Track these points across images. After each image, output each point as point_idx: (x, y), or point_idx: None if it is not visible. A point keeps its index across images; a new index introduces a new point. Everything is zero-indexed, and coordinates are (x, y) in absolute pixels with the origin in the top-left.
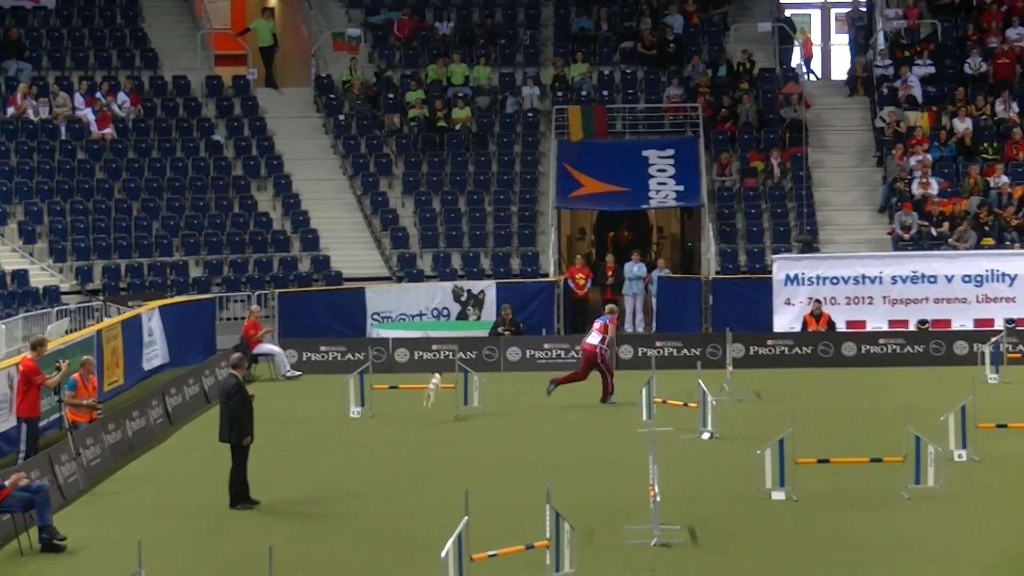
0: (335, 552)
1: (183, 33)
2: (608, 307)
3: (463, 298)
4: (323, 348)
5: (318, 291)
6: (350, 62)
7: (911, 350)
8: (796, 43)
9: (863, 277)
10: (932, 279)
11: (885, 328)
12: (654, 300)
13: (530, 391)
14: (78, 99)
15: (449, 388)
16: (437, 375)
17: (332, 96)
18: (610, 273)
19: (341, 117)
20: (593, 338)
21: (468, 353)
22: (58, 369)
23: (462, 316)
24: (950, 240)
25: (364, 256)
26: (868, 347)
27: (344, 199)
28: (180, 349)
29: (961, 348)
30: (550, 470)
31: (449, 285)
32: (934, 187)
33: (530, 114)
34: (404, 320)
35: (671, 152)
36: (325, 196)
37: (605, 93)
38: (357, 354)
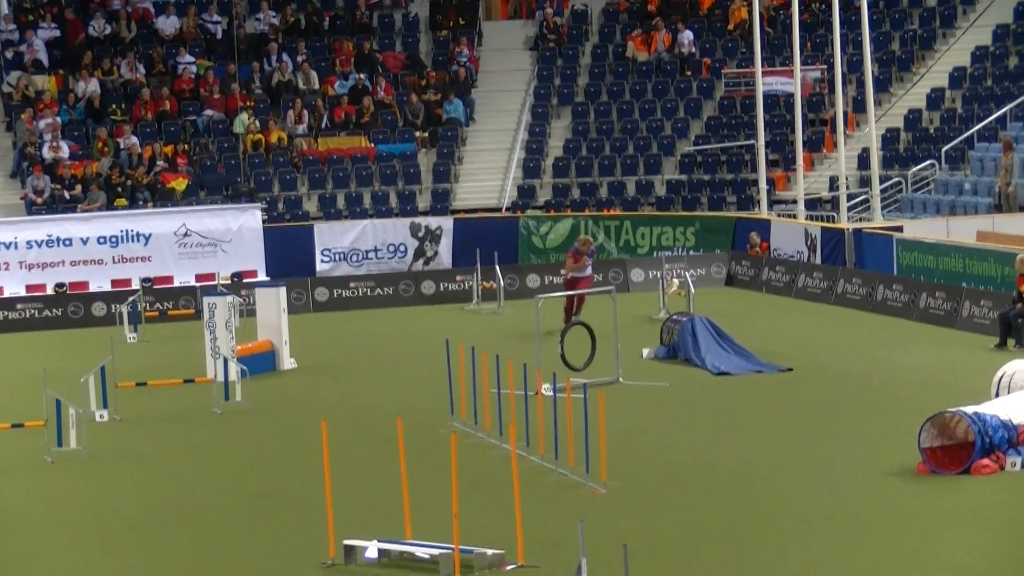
0: None
1: None
2: (579, 238)
3: None
4: None
5: None
6: None
7: (49, 314)
8: None
9: None
10: (68, 242)
11: (23, 293)
12: None
13: None
14: None
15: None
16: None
17: None
18: None
19: None
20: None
21: None
22: None
23: None
24: (79, 206)
25: None
26: (6, 313)
27: None
28: None
29: (100, 309)
30: None
31: None
32: (65, 150)
33: None
34: None
35: None
36: None
37: None
38: None
